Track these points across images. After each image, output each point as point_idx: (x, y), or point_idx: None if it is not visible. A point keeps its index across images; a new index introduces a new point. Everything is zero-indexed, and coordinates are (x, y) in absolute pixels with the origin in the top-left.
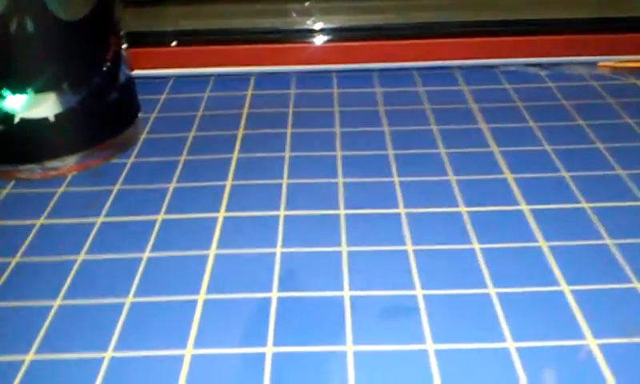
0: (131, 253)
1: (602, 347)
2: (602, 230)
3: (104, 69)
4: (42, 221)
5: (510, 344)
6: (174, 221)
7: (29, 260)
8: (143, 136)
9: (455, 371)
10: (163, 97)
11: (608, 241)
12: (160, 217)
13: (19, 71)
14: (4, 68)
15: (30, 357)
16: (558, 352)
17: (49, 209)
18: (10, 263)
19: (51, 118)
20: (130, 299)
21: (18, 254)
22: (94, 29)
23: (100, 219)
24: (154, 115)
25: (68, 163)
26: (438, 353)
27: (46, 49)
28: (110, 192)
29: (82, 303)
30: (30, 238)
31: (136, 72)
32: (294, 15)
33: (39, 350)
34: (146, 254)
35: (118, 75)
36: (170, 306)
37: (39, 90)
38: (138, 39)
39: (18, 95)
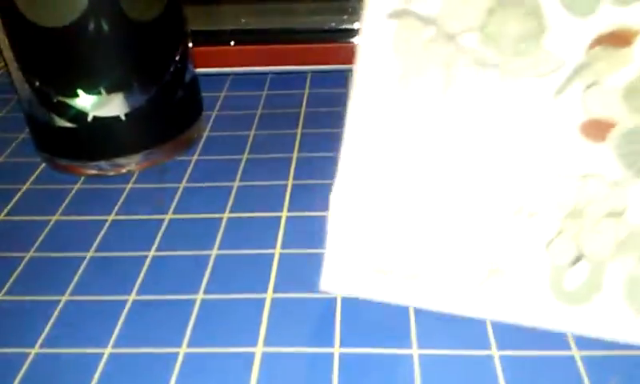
0: (200, 250)
1: None
2: None
3: (172, 68)
4: (112, 216)
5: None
6: (239, 219)
7: (101, 255)
8: (206, 133)
9: None
10: (223, 94)
11: None
12: (225, 215)
13: (92, 71)
14: (78, 68)
15: (108, 350)
16: None
17: (119, 204)
18: (85, 257)
19: (122, 117)
20: (200, 296)
21: (92, 249)
22: (165, 29)
23: (168, 216)
24: (214, 113)
25: (136, 160)
26: None
27: (118, 49)
28: (177, 189)
29: (155, 298)
30: (102, 233)
31: (197, 70)
32: (350, 13)
33: (116, 344)
34: (214, 252)
35: (185, 74)
36: (239, 304)
37: (111, 90)
38: (198, 37)
39: (90, 94)
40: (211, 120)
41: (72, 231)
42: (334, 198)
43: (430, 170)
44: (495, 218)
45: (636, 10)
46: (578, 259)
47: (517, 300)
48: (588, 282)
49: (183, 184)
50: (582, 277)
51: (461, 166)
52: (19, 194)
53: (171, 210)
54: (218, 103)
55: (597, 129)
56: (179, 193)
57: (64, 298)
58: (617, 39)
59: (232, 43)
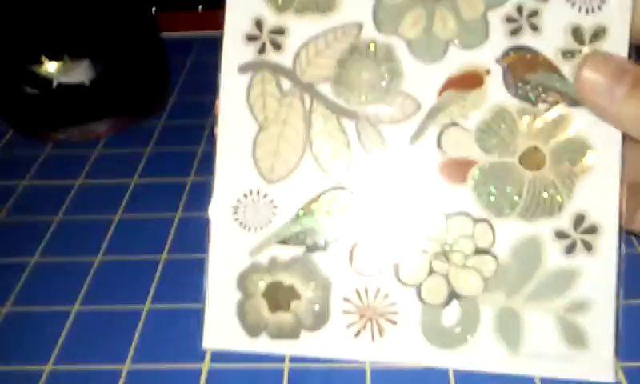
0: (165, 213)
1: None
2: None
3: (137, 36)
4: (80, 181)
5: None
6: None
7: (70, 218)
8: (172, 98)
9: None
10: (190, 59)
11: None
12: (190, 179)
13: (56, 38)
14: (42, 35)
15: (75, 308)
16: None
17: (87, 169)
18: (52, 221)
19: (87, 83)
20: (164, 256)
21: (60, 213)
22: (128, 2)
23: (134, 180)
24: (181, 77)
25: (103, 126)
26: None
27: (82, 15)
28: (143, 154)
29: (123, 259)
30: (70, 197)
31: (164, 34)
32: None
33: (83, 302)
34: (178, 214)
35: (150, 42)
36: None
37: (75, 56)
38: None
39: (54, 61)
40: (178, 84)
41: (41, 196)
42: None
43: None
44: (365, 265)
45: (483, 52)
46: (450, 298)
47: (394, 344)
48: (462, 319)
49: (149, 149)
50: (456, 315)
51: (327, 215)
52: None
53: (137, 174)
54: (185, 68)
55: (456, 170)
56: (144, 158)
57: (33, 260)
58: (467, 82)
59: (199, 8)
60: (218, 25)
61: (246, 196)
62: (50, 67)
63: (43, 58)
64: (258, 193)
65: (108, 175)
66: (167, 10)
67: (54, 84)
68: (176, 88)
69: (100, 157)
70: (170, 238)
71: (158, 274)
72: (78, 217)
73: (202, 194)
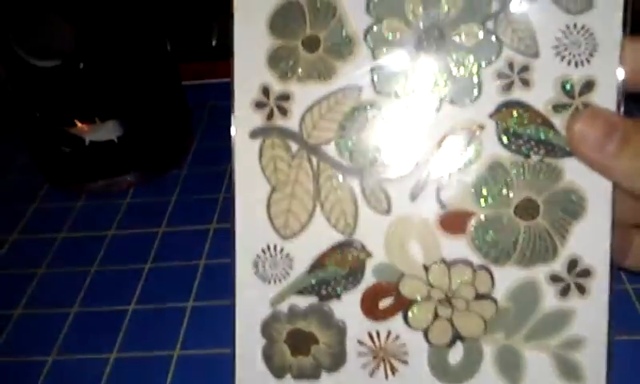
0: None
1: None
2: None
3: (162, 93)
4: (112, 232)
5: None
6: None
7: (104, 268)
8: (194, 146)
9: None
10: (210, 104)
11: None
12: (212, 226)
13: (88, 103)
14: (73, 100)
15: (113, 355)
16: None
17: (118, 218)
18: (89, 272)
19: (115, 140)
20: (190, 303)
21: (95, 264)
22: (151, 60)
23: (161, 229)
24: (201, 125)
25: (131, 177)
26: None
27: (109, 82)
28: (169, 202)
29: (153, 307)
30: (103, 247)
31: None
32: None
33: (119, 349)
34: (202, 261)
35: (174, 97)
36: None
37: (104, 118)
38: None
39: (87, 123)
40: (198, 132)
41: (77, 247)
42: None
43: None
44: (374, 314)
45: (476, 108)
46: (455, 339)
47: (406, 382)
48: (466, 358)
49: (174, 197)
50: (460, 354)
51: (339, 266)
52: (28, 214)
53: (164, 223)
54: (205, 115)
55: (455, 221)
56: (170, 206)
57: (73, 310)
58: (461, 141)
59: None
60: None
61: (264, 251)
62: (83, 129)
63: (77, 121)
64: (275, 248)
65: (137, 225)
66: (185, 62)
67: (86, 142)
68: (197, 135)
69: (129, 207)
70: (196, 283)
71: (186, 321)
72: (111, 267)
73: (224, 239)
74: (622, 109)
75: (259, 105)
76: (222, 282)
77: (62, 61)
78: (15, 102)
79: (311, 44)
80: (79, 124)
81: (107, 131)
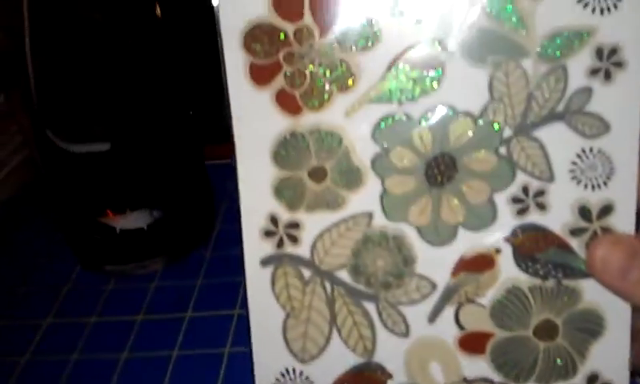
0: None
1: None
2: None
3: (189, 182)
4: (141, 317)
5: None
6: None
7: (135, 355)
8: (218, 227)
9: None
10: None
11: None
12: (236, 311)
13: (120, 195)
14: (108, 194)
15: None
16: None
17: (146, 301)
18: (119, 359)
19: (145, 228)
20: None
21: (125, 350)
22: (180, 150)
23: (187, 314)
24: (223, 205)
25: (158, 261)
26: None
27: (140, 175)
28: (194, 286)
29: None
30: (133, 333)
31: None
32: None
33: None
34: (227, 349)
35: (199, 188)
36: None
37: (134, 208)
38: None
39: (118, 214)
40: (220, 213)
41: (108, 331)
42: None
43: None
44: None
45: (492, 233)
46: None
47: None
48: None
49: (200, 281)
50: None
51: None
52: (61, 297)
53: (190, 307)
54: (227, 195)
55: (474, 342)
56: (196, 291)
57: None
58: (478, 263)
59: None
60: None
61: (283, 375)
62: (114, 218)
63: (109, 211)
64: (294, 371)
65: (164, 309)
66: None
67: (117, 231)
68: (219, 215)
69: (157, 290)
70: (222, 373)
71: None
72: (141, 354)
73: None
74: None
75: (268, 233)
76: (246, 372)
77: (96, 147)
78: (49, 187)
79: (318, 175)
80: (111, 214)
81: (137, 220)
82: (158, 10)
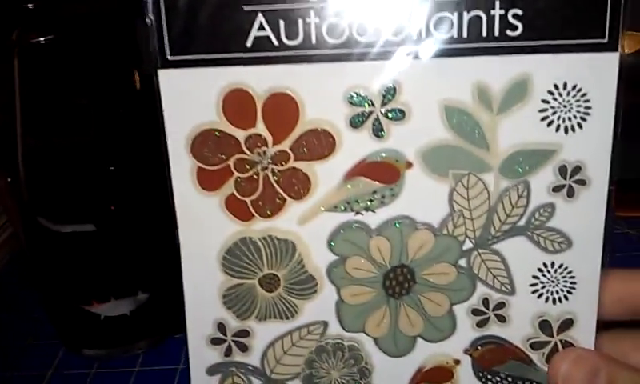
0: None
1: None
2: None
3: (170, 268)
4: None
5: None
6: None
7: None
8: None
9: None
10: None
11: None
12: None
13: (104, 285)
14: (93, 284)
15: None
16: None
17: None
18: None
19: (128, 314)
20: None
21: None
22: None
23: None
24: None
25: (141, 344)
26: None
27: (125, 264)
28: (176, 369)
29: None
30: None
31: None
32: None
33: None
34: None
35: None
36: None
37: (118, 297)
38: None
39: (102, 303)
40: None
41: None
42: None
43: None
44: None
45: (451, 344)
46: None
47: None
48: None
49: (181, 365)
50: None
51: None
52: (46, 380)
53: None
54: None
55: None
56: (177, 373)
57: None
58: (436, 375)
59: None
60: None
61: None
62: (99, 307)
63: (94, 301)
64: None
65: None
66: None
67: (101, 318)
68: None
69: (139, 375)
70: None
71: None
72: None
73: None
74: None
75: (215, 341)
76: None
77: (81, 228)
78: (33, 267)
79: (270, 283)
80: (95, 302)
81: (121, 307)
82: (138, 84)
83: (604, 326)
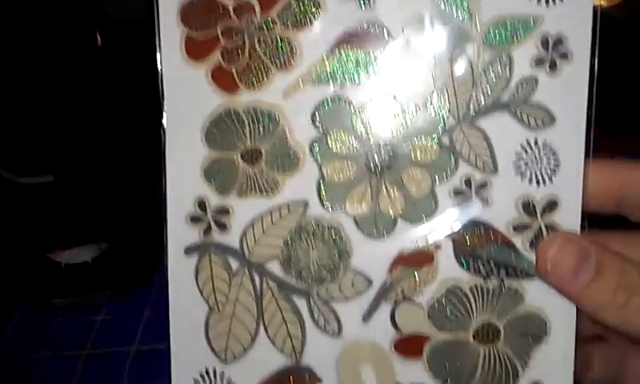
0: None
1: None
2: None
3: (136, 215)
4: (87, 351)
5: None
6: None
7: None
8: None
9: None
10: None
11: None
12: None
13: (65, 231)
14: (53, 230)
15: None
16: None
17: (93, 334)
18: None
19: (90, 261)
20: None
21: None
22: (126, 183)
23: (133, 348)
24: None
25: (105, 294)
26: None
27: (87, 209)
28: (140, 320)
29: None
30: (78, 368)
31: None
32: None
33: None
34: None
35: (146, 219)
36: None
37: (80, 243)
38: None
39: (64, 250)
40: None
41: (53, 367)
42: None
43: None
44: None
45: (432, 227)
46: None
47: None
48: None
49: (145, 315)
50: None
51: None
52: (6, 332)
53: (137, 340)
54: None
55: (410, 345)
56: (142, 324)
57: None
58: (417, 258)
59: None
60: None
61: (202, 376)
62: (61, 255)
63: (55, 248)
64: (215, 373)
65: (110, 342)
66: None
67: (63, 265)
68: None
69: (102, 324)
70: None
71: None
72: None
73: None
74: (586, 227)
75: (195, 219)
76: None
77: (40, 179)
78: None
79: (251, 157)
80: (57, 251)
81: (83, 255)
82: (99, 40)
83: (589, 225)
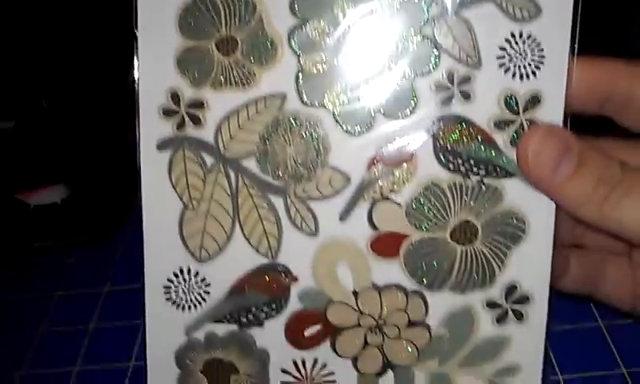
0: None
1: None
2: None
3: (107, 157)
4: (59, 292)
5: None
6: None
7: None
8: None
9: None
10: None
11: None
12: None
13: (32, 171)
14: (18, 168)
15: None
16: None
17: (64, 279)
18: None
19: (59, 202)
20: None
21: (43, 324)
22: (96, 123)
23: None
24: None
25: (76, 238)
26: None
27: (54, 148)
28: (113, 263)
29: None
30: (51, 308)
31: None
32: None
33: None
34: None
35: (119, 158)
36: None
37: (49, 183)
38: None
39: (31, 189)
40: None
41: (25, 308)
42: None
43: None
44: (299, 342)
45: (412, 123)
46: (385, 368)
47: None
48: None
49: (119, 255)
50: (391, 383)
51: (260, 292)
52: None
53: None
54: None
55: (387, 244)
56: (114, 267)
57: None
58: (396, 156)
59: None
60: None
61: (176, 275)
62: (27, 194)
63: (23, 189)
64: (189, 272)
65: (82, 285)
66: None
67: (31, 206)
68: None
69: (74, 268)
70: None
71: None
72: (57, 328)
73: None
74: (569, 127)
75: (168, 112)
76: None
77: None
78: None
79: (227, 46)
80: (24, 190)
81: (51, 195)
82: None
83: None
